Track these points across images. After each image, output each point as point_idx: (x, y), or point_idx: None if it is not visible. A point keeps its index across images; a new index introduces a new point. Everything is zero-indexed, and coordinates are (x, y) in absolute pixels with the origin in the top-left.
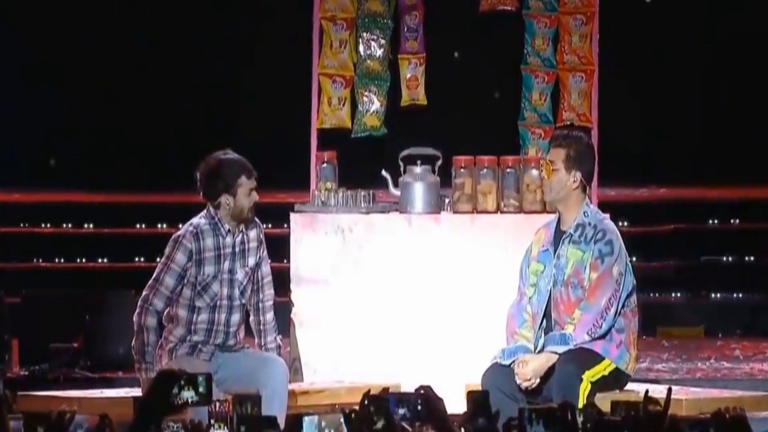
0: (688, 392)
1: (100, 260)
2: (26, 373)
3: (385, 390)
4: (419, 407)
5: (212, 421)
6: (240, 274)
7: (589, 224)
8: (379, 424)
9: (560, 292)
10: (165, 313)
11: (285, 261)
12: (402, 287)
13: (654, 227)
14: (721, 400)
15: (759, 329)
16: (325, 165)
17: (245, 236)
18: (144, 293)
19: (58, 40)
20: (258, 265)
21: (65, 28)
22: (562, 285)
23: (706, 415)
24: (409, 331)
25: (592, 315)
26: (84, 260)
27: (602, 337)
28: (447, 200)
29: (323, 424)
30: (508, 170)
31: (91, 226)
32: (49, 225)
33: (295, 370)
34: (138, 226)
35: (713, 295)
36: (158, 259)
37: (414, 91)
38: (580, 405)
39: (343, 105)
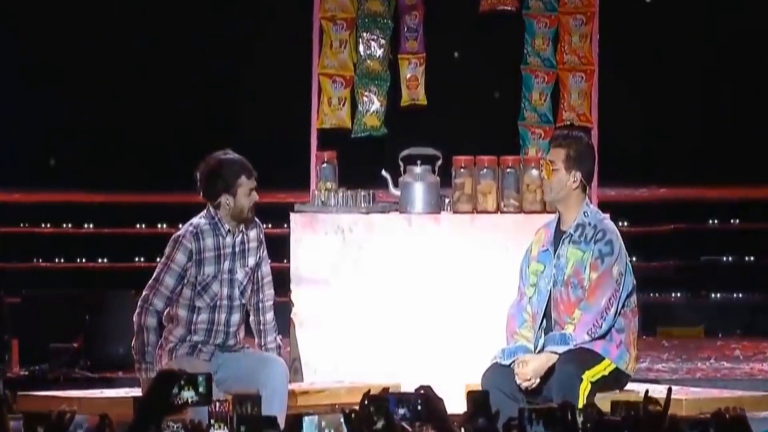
0: (688, 392)
1: (100, 260)
2: (26, 373)
3: (385, 390)
4: (419, 407)
5: (212, 421)
6: (240, 274)
7: (589, 224)
8: (379, 424)
9: (560, 292)
10: (165, 313)
11: (285, 261)
12: (402, 287)
13: (654, 227)
14: (721, 400)
15: (759, 329)
16: (325, 165)
17: (245, 236)
18: (144, 293)
19: (58, 40)
20: (258, 265)
21: (65, 28)
22: (562, 285)
23: (706, 415)
24: (409, 331)
25: (592, 315)
26: (84, 260)
27: (602, 337)
28: (447, 200)
29: (323, 424)
30: (508, 170)
31: (91, 226)
32: (49, 225)
33: (295, 370)
34: (138, 226)
35: (713, 295)
36: (158, 259)
37: (414, 91)
38: (580, 405)
39: (343, 105)
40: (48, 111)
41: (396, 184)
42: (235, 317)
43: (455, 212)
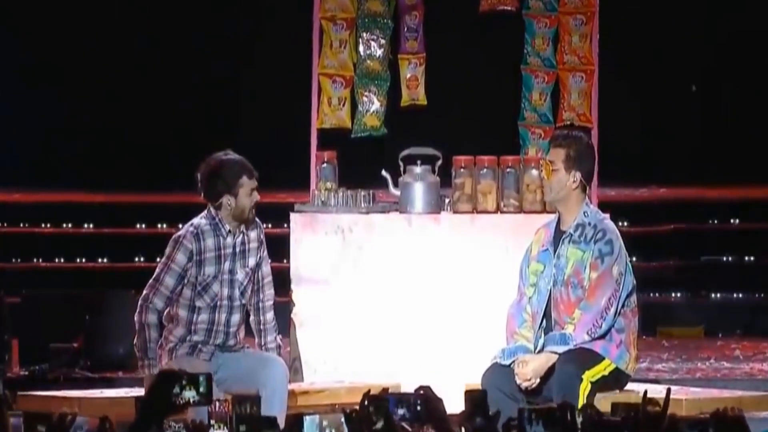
0: (688, 392)
1: (100, 260)
2: (26, 373)
3: (385, 390)
4: (418, 407)
5: (212, 421)
6: (240, 275)
7: (589, 224)
8: (379, 425)
9: (560, 292)
10: (165, 312)
11: (285, 261)
12: (402, 287)
13: (654, 227)
14: (721, 400)
15: (759, 329)
16: (325, 165)
17: (246, 237)
18: (144, 292)
19: (58, 40)
20: (258, 265)
21: (65, 28)
22: (562, 285)
23: (705, 415)
24: (409, 331)
25: (591, 315)
26: (84, 260)
27: (602, 337)
28: (447, 200)
29: (324, 423)
30: (508, 170)
31: (91, 226)
32: (49, 225)
33: (295, 370)
34: (138, 226)
35: (713, 295)
36: (158, 259)
37: (414, 91)
38: (580, 405)
39: (343, 105)
40: (48, 111)
41: (396, 184)
42: (235, 317)
43: (455, 212)
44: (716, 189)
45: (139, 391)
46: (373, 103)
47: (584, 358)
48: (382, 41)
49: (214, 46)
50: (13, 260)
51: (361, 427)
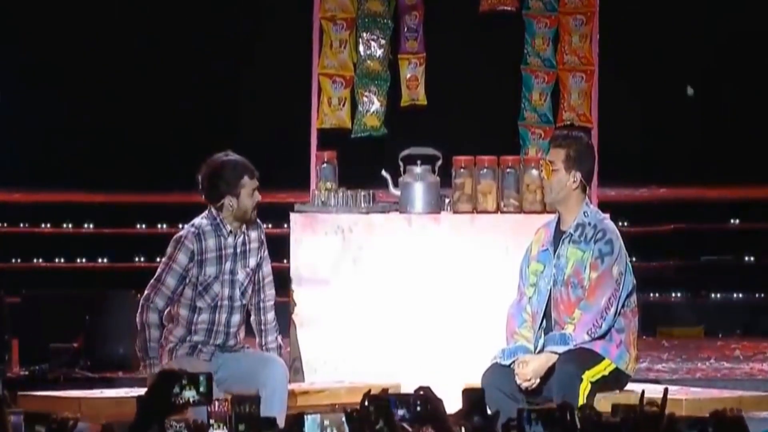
0: (688, 392)
1: (100, 260)
2: (26, 373)
3: (385, 391)
4: (418, 408)
5: (211, 421)
6: (241, 275)
7: (589, 224)
8: (380, 424)
9: (560, 291)
10: (166, 312)
11: (285, 261)
12: (402, 287)
13: (654, 227)
14: (721, 400)
15: (759, 329)
16: (325, 165)
17: (246, 237)
18: (146, 292)
19: (58, 40)
20: (259, 265)
21: (65, 28)
22: (562, 285)
23: (704, 415)
24: (409, 331)
25: (591, 315)
26: (84, 260)
27: (602, 337)
28: (447, 200)
29: (326, 422)
30: (508, 170)
31: (91, 226)
32: (49, 225)
33: (295, 370)
34: (138, 226)
35: (713, 295)
36: (159, 259)
37: (414, 91)
38: (580, 405)
39: (343, 105)
40: (48, 111)
41: (396, 184)
42: (236, 318)
43: (455, 212)
44: (716, 189)
45: (140, 391)
46: (373, 103)
47: (584, 358)
48: (382, 41)
49: (214, 46)
50: (13, 260)
51: (362, 426)
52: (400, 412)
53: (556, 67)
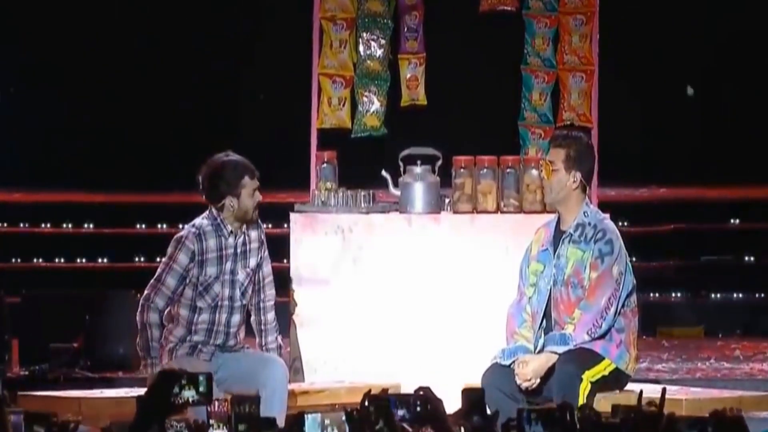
0: (688, 392)
1: (100, 260)
2: (26, 373)
3: (385, 391)
4: (418, 408)
5: (211, 421)
6: (241, 275)
7: (589, 224)
8: (380, 425)
9: (560, 291)
10: (166, 312)
11: (285, 261)
12: (402, 287)
13: (654, 227)
14: (721, 400)
15: (759, 329)
16: (325, 165)
17: (247, 237)
18: (146, 292)
19: (58, 40)
20: (259, 265)
21: (65, 28)
22: (562, 285)
23: (704, 415)
24: (409, 331)
25: (591, 315)
26: (84, 260)
27: (602, 336)
28: (447, 200)
29: (326, 422)
30: (508, 170)
31: (91, 226)
32: (49, 225)
33: (295, 370)
34: (138, 226)
35: (713, 295)
36: (159, 259)
37: (414, 91)
38: (580, 405)
39: (343, 105)
40: (48, 111)
41: (396, 184)
42: (236, 318)
43: (455, 212)
44: (716, 189)
45: (140, 391)
46: (373, 103)
47: (584, 358)
48: (382, 41)
49: (214, 46)
50: (13, 260)
51: (362, 426)
52: (400, 412)
53: (556, 67)
